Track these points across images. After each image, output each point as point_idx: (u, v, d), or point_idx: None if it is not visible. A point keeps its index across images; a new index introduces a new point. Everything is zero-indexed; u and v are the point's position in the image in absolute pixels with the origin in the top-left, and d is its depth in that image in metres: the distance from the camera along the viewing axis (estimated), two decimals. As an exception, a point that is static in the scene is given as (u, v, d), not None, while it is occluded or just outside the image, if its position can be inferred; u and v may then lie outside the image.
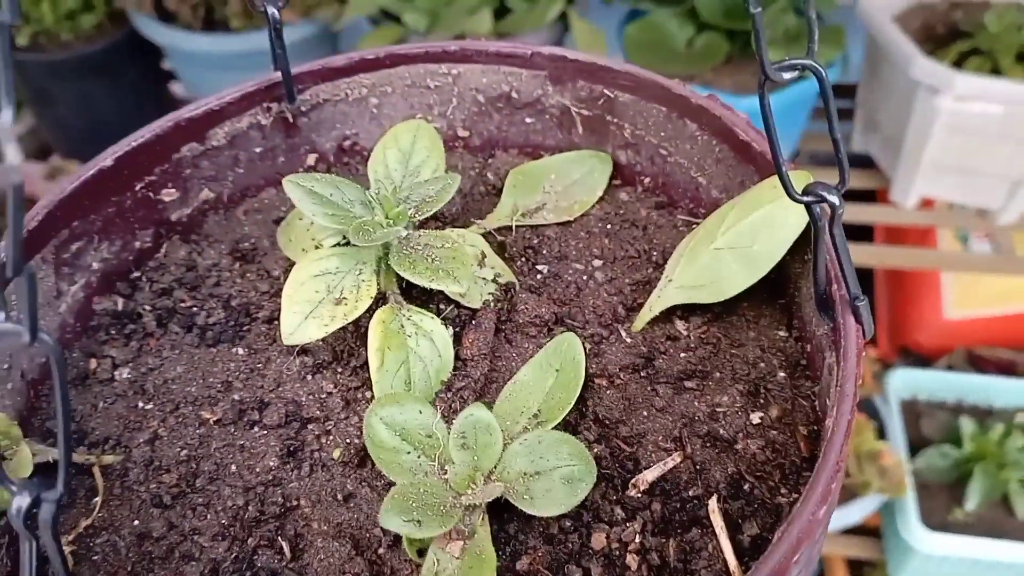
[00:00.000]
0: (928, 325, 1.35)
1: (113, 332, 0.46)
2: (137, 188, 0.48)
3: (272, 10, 0.44)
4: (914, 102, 0.97)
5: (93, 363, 0.45)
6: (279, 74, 0.48)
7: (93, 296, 0.47)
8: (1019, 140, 0.96)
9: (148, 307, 0.47)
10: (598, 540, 0.36)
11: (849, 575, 1.20)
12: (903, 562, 1.05)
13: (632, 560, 0.35)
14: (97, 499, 0.40)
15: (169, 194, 0.49)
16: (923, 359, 1.36)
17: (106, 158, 0.45)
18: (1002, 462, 1.06)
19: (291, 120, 0.51)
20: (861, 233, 1.33)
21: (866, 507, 1.02)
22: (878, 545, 1.12)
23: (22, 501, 0.26)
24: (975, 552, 1.00)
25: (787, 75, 0.31)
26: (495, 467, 0.36)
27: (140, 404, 0.43)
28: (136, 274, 0.49)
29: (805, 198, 0.32)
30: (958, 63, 1.02)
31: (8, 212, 0.22)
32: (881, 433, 1.09)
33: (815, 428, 0.39)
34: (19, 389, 0.43)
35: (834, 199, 0.32)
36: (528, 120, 0.53)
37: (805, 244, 0.41)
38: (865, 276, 1.50)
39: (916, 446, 1.12)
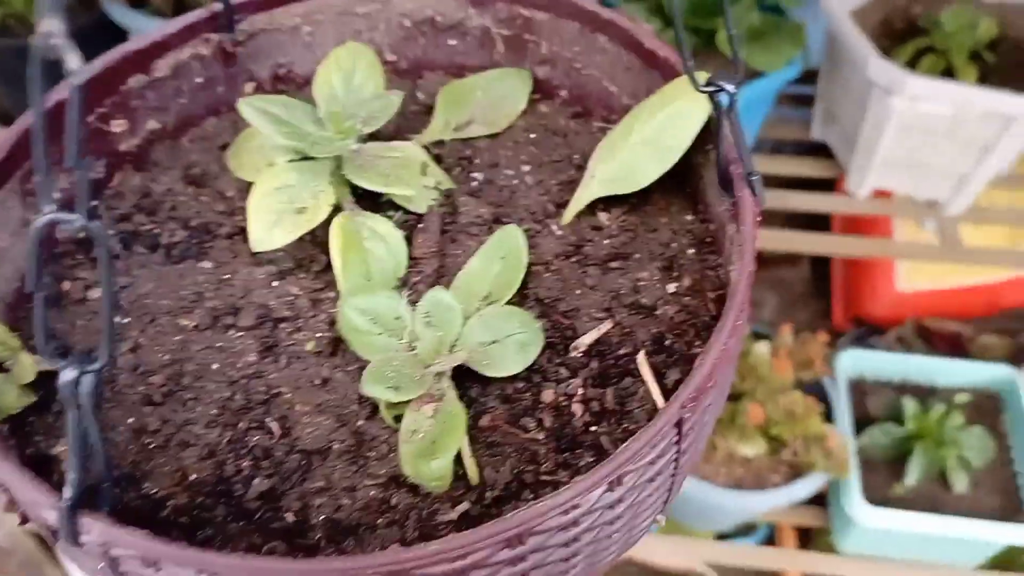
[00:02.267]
0: (881, 297, 1.43)
1: (80, 257, 0.49)
2: (89, 120, 0.50)
3: (212, -57, 0.47)
4: (869, 99, 1.02)
5: (66, 285, 0.48)
6: (219, 5, 0.51)
7: (55, 225, 0.50)
8: (966, 139, 1.03)
9: (111, 232, 0.50)
10: (547, 395, 0.42)
11: (798, 540, 1.31)
12: (847, 533, 1.14)
13: (578, 408, 0.42)
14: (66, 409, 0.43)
15: (119, 124, 0.52)
16: (876, 329, 1.45)
17: (62, 90, 0.47)
18: (941, 440, 1.15)
19: (229, 50, 0.54)
20: (819, 221, 1.40)
21: (813, 484, 1.11)
22: (825, 514, 1.21)
23: (70, 374, 0.30)
24: (913, 525, 1.09)
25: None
26: (457, 340, 0.42)
27: (117, 319, 0.47)
28: (94, 203, 0.51)
29: (708, 88, 0.39)
30: (914, 60, 1.07)
31: (69, 110, 0.26)
32: (828, 415, 1.17)
33: (720, 293, 0.46)
34: (0, 312, 0.45)
35: (730, 87, 0.38)
36: (452, 42, 0.58)
37: (706, 139, 0.47)
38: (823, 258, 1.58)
39: (862, 423, 1.20)
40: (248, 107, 0.46)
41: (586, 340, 0.44)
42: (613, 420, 0.42)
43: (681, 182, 0.51)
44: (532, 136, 0.55)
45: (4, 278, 0.46)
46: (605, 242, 0.49)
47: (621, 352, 0.44)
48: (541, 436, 0.41)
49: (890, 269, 1.42)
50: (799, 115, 1.27)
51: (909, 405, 1.18)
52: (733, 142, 0.41)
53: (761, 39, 1.02)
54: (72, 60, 0.26)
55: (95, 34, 1.27)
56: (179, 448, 0.42)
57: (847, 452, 1.09)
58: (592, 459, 0.40)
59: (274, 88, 0.57)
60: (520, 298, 0.46)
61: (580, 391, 0.42)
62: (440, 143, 0.54)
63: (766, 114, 1.16)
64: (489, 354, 0.41)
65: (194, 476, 0.41)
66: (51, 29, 0.25)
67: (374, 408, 0.43)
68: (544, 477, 0.40)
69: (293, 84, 0.58)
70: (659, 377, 0.43)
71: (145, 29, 1.14)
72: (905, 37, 1.12)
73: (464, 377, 0.43)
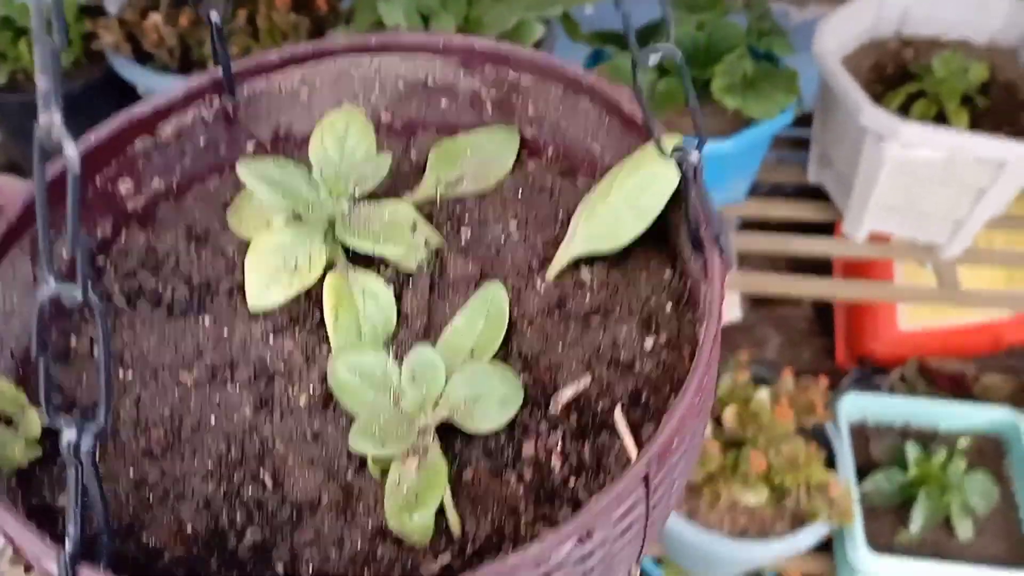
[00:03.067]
0: (883, 336, 1.45)
1: (87, 313, 0.52)
2: (97, 182, 0.53)
3: (215, 16, 0.50)
4: (863, 145, 1.04)
5: (74, 341, 0.50)
6: (220, 70, 0.54)
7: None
8: (960, 183, 1.04)
9: (116, 288, 0.53)
10: (528, 449, 0.44)
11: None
12: (851, 581, 1.14)
13: (556, 462, 0.44)
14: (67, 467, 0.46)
15: (125, 185, 0.55)
16: (879, 368, 1.47)
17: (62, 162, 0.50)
18: (945, 486, 1.15)
19: (231, 113, 0.57)
20: (820, 261, 1.41)
21: (817, 532, 1.12)
22: (831, 561, 1.21)
23: (71, 435, 0.32)
24: (918, 573, 1.09)
25: (653, 57, 0.39)
26: (440, 396, 0.44)
27: (121, 373, 0.49)
28: (101, 260, 0.54)
29: (674, 154, 0.41)
30: (906, 105, 1.09)
31: (68, 196, 0.29)
32: (831, 459, 1.18)
33: (696, 348, 0.48)
34: (9, 366, 0.48)
35: (695, 154, 0.40)
36: (443, 103, 0.60)
37: (682, 200, 0.49)
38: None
39: (865, 468, 1.21)
40: (246, 170, 0.49)
41: (566, 395, 0.46)
42: (590, 474, 0.43)
43: (660, 240, 0.53)
44: (520, 193, 0.58)
45: (14, 334, 0.49)
46: (587, 298, 0.51)
47: (599, 407, 0.46)
48: (521, 490, 0.43)
49: (892, 308, 1.44)
50: (795, 158, 1.29)
51: (912, 450, 1.19)
52: (700, 203, 0.43)
53: (755, 87, 1.04)
54: (70, 149, 0.28)
55: (103, 89, 1.32)
56: (176, 501, 0.44)
57: (850, 500, 1.10)
58: (570, 512, 0.42)
59: (274, 147, 0.60)
60: (504, 353, 0.48)
61: (559, 445, 0.44)
62: (432, 200, 0.57)
63: (762, 158, 1.18)
64: (471, 410, 0.43)
65: (190, 527, 0.43)
66: (52, 121, 0.27)
67: (362, 462, 0.45)
68: (524, 531, 0.42)
69: (292, 143, 0.60)
70: (635, 432, 0.44)
71: (150, 84, 1.18)
72: (896, 82, 1.14)
73: (448, 431, 0.45)
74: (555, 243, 0.54)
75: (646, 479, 0.37)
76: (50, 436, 0.45)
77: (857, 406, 1.28)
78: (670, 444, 0.38)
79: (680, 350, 0.48)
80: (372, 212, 0.50)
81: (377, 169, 0.51)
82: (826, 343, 1.65)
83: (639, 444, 0.44)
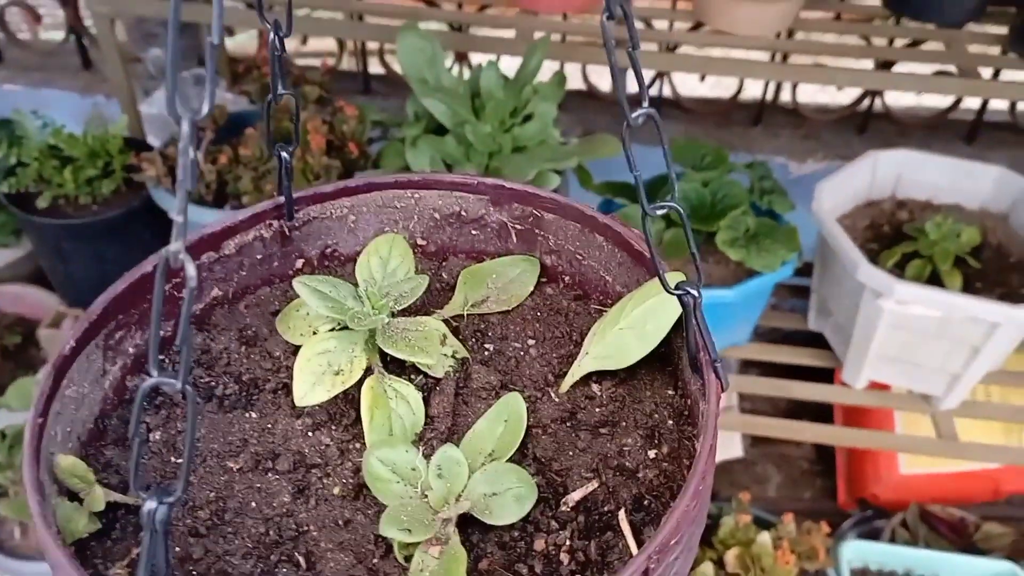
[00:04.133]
0: (885, 479, 1.48)
1: (145, 404, 0.57)
2: (165, 288, 0.60)
3: (284, 155, 0.58)
4: (860, 299, 1.09)
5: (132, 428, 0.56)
6: (282, 198, 0.62)
7: (127, 375, 0.58)
8: (955, 340, 1.09)
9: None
10: (539, 544, 0.49)
11: None
12: None
13: (564, 557, 0.48)
14: (144, 532, 0.50)
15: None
16: (880, 511, 1.50)
17: (147, 265, 0.57)
18: None
19: (287, 233, 0.64)
20: (822, 405, 1.44)
21: None
22: None
23: (151, 504, 0.38)
24: None
25: (660, 212, 0.46)
26: (463, 491, 0.49)
27: (172, 459, 0.54)
28: (161, 357, 0.60)
29: (677, 292, 0.47)
30: (902, 263, 1.15)
31: (184, 303, 0.35)
32: None
33: (693, 460, 0.53)
34: (75, 449, 0.53)
35: (695, 292, 0.47)
36: (474, 232, 0.68)
37: (683, 328, 0.55)
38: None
39: None
40: (301, 285, 0.55)
41: (575, 496, 0.51)
42: (595, 570, 0.48)
43: (663, 362, 0.59)
44: (538, 314, 0.64)
45: (81, 419, 0.54)
46: (596, 410, 0.57)
47: (605, 509, 0.51)
48: (532, 580, 0.47)
49: (894, 452, 1.46)
50: (796, 304, 1.36)
51: None
52: (699, 333, 0.49)
53: (757, 242, 1.11)
54: (191, 270, 0.35)
55: (141, 216, 1.41)
56: (218, 576, 0.48)
57: None
58: (575, 603, 0.46)
59: (320, 264, 0.67)
60: (520, 456, 0.54)
61: (567, 542, 0.49)
62: (459, 317, 0.63)
63: (764, 306, 1.24)
64: (490, 505, 0.48)
65: (229, 601, 0.47)
66: (180, 248, 0.34)
67: (388, 547, 0.49)
68: (532, 617, 0.46)
69: (337, 261, 0.67)
70: (637, 533, 0.49)
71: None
72: (892, 240, 1.20)
73: (467, 523, 0.49)
74: (568, 359, 0.60)
75: (646, 573, 0.42)
76: (108, 512, 0.50)
77: (859, 553, 1.28)
78: (668, 543, 0.43)
79: (680, 461, 0.53)
80: (408, 325, 0.57)
81: (415, 288, 0.58)
82: (827, 483, 1.66)
83: (640, 544, 0.48)
